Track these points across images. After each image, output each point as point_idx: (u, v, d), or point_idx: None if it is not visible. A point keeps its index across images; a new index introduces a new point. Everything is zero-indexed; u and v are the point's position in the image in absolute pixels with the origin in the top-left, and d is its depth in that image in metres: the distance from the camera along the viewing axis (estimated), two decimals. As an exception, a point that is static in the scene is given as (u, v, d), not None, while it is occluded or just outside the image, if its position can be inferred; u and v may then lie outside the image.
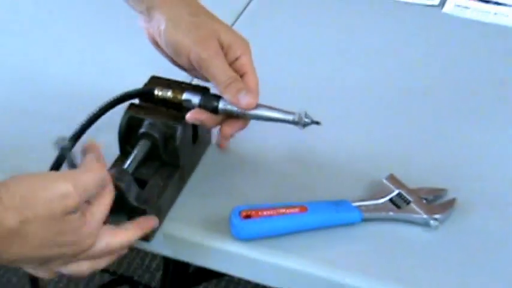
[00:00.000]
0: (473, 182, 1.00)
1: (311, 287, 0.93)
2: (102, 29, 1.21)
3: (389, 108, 1.11)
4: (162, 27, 0.96)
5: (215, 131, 1.02)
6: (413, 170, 1.00)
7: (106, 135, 0.97)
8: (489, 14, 1.26)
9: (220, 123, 0.97)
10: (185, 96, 0.95)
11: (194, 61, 0.94)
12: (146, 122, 0.94)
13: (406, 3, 1.29)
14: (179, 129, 0.94)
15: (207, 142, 1.03)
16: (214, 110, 0.95)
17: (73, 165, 0.85)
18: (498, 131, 1.08)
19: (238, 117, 0.96)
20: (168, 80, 0.99)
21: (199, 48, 0.94)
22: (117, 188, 0.87)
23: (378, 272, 0.91)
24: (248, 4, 1.27)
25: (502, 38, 1.23)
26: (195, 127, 0.97)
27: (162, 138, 0.94)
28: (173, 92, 0.95)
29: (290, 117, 0.95)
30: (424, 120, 1.09)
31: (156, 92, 0.95)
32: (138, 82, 0.98)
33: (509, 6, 1.27)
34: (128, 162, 0.92)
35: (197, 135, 0.98)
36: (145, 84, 0.99)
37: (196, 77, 1.00)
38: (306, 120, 0.94)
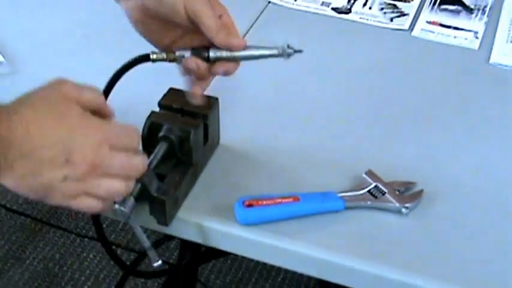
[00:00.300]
0: (437, 176, 1.00)
1: (302, 264, 0.92)
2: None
3: (368, 115, 1.10)
4: None
5: (222, 132, 1.01)
6: (388, 166, 0.99)
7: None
8: (450, 37, 1.25)
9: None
10: (178, 53, 0.92)
11: (190, 12, 0.90)
12: (165, 127, 0.93)
13: (380, 27, 1.27)
14: (192, 133, 0.92)
15: (216, 144, 1.02)
16: (206, 60, 0.92)
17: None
18: (457, 134, 1.07)
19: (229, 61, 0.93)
20: (185, 91, 0.98)
21: (193, 2, 0.90)
22: (141, 182, 0.86)
23: (358, 251, 0.90)
24: (250, 28, 1.26)
25: (461, 57, 1.22)
26: (206, 131, 0.96)
27: (178, 140, 0.93)
28: (167, 53, 0.93)
29: (275, 51, 0.92)
30: (397, 126, 1.08)
31: (151, 55, 0.92)
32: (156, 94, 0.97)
33: (467, 31, 1.26)
34: (150, 159, 0.90)
35: (207, 137, 0.97)
36: (164, 96, 0.98)
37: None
38: (289, 50, 0.92)
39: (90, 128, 0.77)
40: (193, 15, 0.90)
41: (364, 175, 0.96)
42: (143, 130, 0.94)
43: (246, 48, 0.92)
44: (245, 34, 1.23)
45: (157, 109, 0.97)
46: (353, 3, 1.33)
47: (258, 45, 0.93)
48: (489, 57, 1.20)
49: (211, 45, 0.92)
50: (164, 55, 0.92)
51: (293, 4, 1.32)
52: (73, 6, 1.28)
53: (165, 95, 0.98)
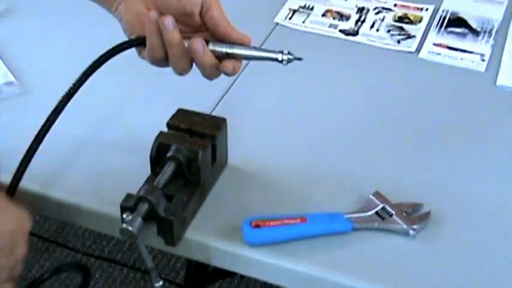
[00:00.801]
0: (444, 197, 0.99)
1: (310, 286, 0.92)
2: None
3: (376, 137, 1.10)
4: None
5: (230, 152, 1.02)
6: (395, 187, 0.99)
7: (138, 159, 0.97)
8: (457, 59, 1.25)
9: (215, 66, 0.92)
10: None
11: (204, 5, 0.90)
12: (173, 147, 0.93)
13: (387, 49, 1.28)
14: (200, 153, 0.92)
15: (224, 164, 1.02)
16: None
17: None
18: (463, 156, 1.07)
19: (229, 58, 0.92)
20: (193, 112, 0.98)
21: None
22: (149, 202, 0.86)
23: (366, 272, 0.90)
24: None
25: (467, 79, 1.22)
26: (214, 152, 0.96)
27: (186, 161, 0.93)
28: None
29: (274, 55, 0.92)
30: (404, 147, 1.08)
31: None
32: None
33: (473, 53, 1.26)
34: (158, 180, 0.91)
35: (215, 158, 0.97)
36: (172, 116, 0.98)
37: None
38: (290, 57, 0.91)
39: None
40: (206, 7, 0.90)
41: (371, 196, 0.96)
42: (152, 150, 0.94)
43: (246, 47, 0.92)
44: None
45: (165, 129, 0.97)
46: (360, 25, 1.33)
47: (258, 47, 0.93)
48: (495, 80, 1.21)
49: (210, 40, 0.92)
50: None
51: (301, 26, 1.33)
52: (84, 29, 1.29)
53: (173, 116, 0.99)
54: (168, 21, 0.87)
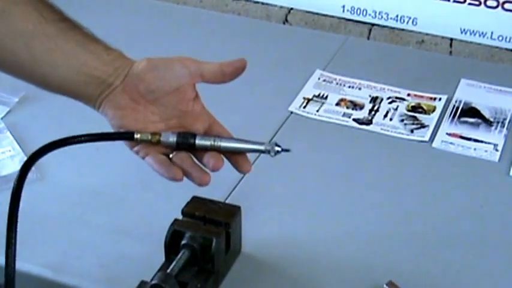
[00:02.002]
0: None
1: None
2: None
3: (389, 226, 1.11)
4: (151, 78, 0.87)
5: (244, 239, 1.02)
6: (410, 278, 0.99)
7: (152, 245, 0.98)
8: (470, 149, 1.26)
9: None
10: (163, 137, 0.89)
11: (192, 68, 0.88)
12: (187, 235, 0.94)
13: (401, 138, 1.29)
14: (214, 241, 0.93)
15: (238, 252, 1.03)
16: (192, 146, 0.90)
17: None
18: (478, 248, 1.07)
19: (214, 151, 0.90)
20: (208, 199, 0.99)
21: (188, 60, 0.89)
22: (162, 290, 0.87)
23: None
24: (272, 138, 1.28)
25: (481, 169, 1.23)
26: (228, 239, 0.97)
27: (200, 248, 0.93)
28: (152, 134, 0.89)
29: (261, 147, 0.90)
30: (417, 237, 1.09)
31: (136, 135, 0.89)
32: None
33: (487, 143, 1.28)
34: (172, 267, 0.91)
35: (230, 245, 0.98)
36: (187, 204, 0.99)
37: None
38: (277, 148, 0.90)
39: None
40: (195, 68, 0.88)
41: (385, 286, 0.96)
42: (166, 237, 0.95)
43: (231, 140, 0.91)
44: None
45: (180, 216, 0.98)
46: (374, 114, 1.35)
47: (245, 139, 0.91)
48: (509, 170, 1.21)
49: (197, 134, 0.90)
50: (149, 135, 0.88)
51: (315, 115, 1.35)
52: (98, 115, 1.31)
53: (188, 203, 1.00)
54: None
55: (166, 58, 0.89)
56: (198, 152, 0.90)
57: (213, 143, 0.90)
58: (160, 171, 0.89)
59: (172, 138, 0.89)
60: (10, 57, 0.87)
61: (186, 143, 0.89)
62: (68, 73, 0.87)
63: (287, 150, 0.90)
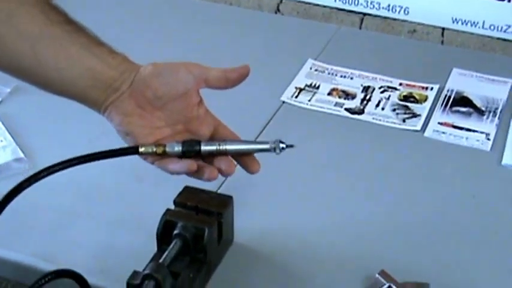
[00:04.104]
0: (450, 278, 0.99)
1: None
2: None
3: (381, 215, 1.11)
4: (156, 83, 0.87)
5: (236, 230, 1.02)
6: (402, 267, 0.99)
7: (144, 236, 0.98)
8: (462, 138, 1.27)
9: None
10: (168, 147, 0.88)
11: (196, 73, 0.88)
12: (179, 225, 0.94)
13: (393, 128, 1.29)
14: (207, 231, 0.93)
15: (230, 242, 1.03)
16: (198, 153, 0.89)
17: None
18: (470, 236, 1.07)
19: (221, 155, 0.90)
20: (200, 189, 0.99)
21: (192, 65, 0.89)
22: (155, 280, 0.87)
23: None
24: (264, 127, 1.28)
25: (473, 158, 1.23)
26: (220, 229, 0.97)
27: (192, 238, 0.93)
28: (156, 146, 0.88)
29: (266, 146, 0.90)
30: (409, 226, 1.09)
31: (140, 148, 0.88)
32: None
33: (479, 132, 1.28)
34: (164, 257, 0.91)
35: (222, 235, 0.98)
36: (179, 194, 1.00)
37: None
38: (281, 145, 0.90)
39: None
40: (200, 73, 0.88)
41: (377, 275, 0.96)
42: (158, 227, 0.95)
43: (236, 142, 0.91)
44: (259, 134, 1.25)
45: (172, 207, 0.98)
46: (366, 104, 1.35)
47: (249, 140, 0.92)
48: (501, 159, 1.22)
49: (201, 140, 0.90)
50: (153, 147, 0.88)
51: (307, 104, 1.35)
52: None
53: (180, 193, 1.00)
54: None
55: (171, 63, 0.88)
56: (205, 158, 0.90)
57: (218, 147, 0.89)
58: (175, 170, 0.89)
59: (178, 148, 0.88)
60: (15, 59, 0.86)
61: (191, 151, 0.89)
62: (73, 76, 0.87)
63: (291, 146, 0.91)
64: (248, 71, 0.90)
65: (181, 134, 0.90)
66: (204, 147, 0.89)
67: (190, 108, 0.90)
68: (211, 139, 0.91)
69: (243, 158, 0.91)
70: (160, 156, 0.88)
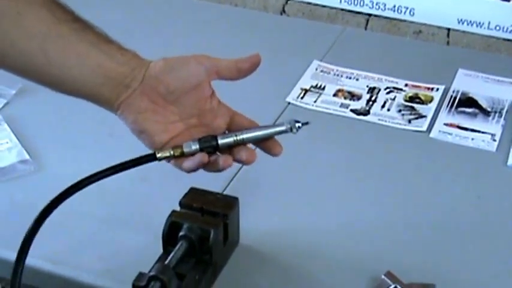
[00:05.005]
0: (456, 279, 0.99)
1: None
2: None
3: (387, 216, 1.11)
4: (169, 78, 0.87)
5: (241, 231, 1.02)
6: (407, 267, 0.99)
7: (150, 237, 0.98)
8: (467, 139, 1.27)
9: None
10: (185, 147, 0.88)
11: (209, 65, 0.87)
12: (185, 226, 0.94)
13: (398, 128, 1.29)
14: (212, 233, 0.93)
15: (235, 243, 1.03)
16: (215, 148, 0.88)
17: None
18: (475, 237, 1.07)
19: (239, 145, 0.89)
20: (206, 190, 0.99)
21: (202, 57, 0.88)
22: (161, 281, 0.87)
23: None
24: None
25: (478, 159, 1.23)
26: (226, 231, 0.97)
27: (198, 240, 0.93)
28: (173, 149, 0.88)
29: (283, 128, 0.89)
30: (415, 227, 1.09)
31: (157, 154, 0.88)
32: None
33: (484, 133, 1.28)
34: (170, 258, 0.91)
35: (227, 237, 0.98)
36: (185, 195, 0.99)
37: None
38: (297, 124, 0.90)
39: None
40: (211, 65, 0.88)
41: (383, 276, 0.96)
42: (164, 229, 0.95)
43: (252, 130, 0.90)
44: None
45: (178, 208, 0.98)
46: (371, 105, 1.35)
47: (264, 125, 0.91)
48: (507, 160, 1.21)
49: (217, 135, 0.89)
50: (171, 151, 0.87)
51: (312, 105, 1.35)
52: (98, 108, 1.31)
53: (186, 194, 1.00)
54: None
55: (181, 57, 0.88)
56: (223, 151, 0.89)
57: (235, 138, 0.89)
58: (189, 167, 0.88)
59: (195, 146, 0.88)
60: (24, 59, 0.86)
61: (209, 146, 0.88)
62: (83, 74, 0.86)
63: (307, 123, 0.90)
64: (259, 60, 0.90)
65: (196, 128, 0.90)
66: (221, 141, 0.89)
67: (203, 101, 0.89)
68: (229, 130, 0.91)
69: (264, 143, 0.90)
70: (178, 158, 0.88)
